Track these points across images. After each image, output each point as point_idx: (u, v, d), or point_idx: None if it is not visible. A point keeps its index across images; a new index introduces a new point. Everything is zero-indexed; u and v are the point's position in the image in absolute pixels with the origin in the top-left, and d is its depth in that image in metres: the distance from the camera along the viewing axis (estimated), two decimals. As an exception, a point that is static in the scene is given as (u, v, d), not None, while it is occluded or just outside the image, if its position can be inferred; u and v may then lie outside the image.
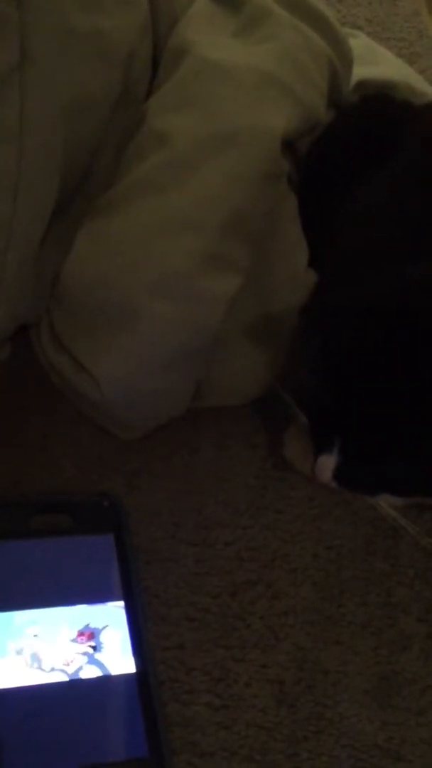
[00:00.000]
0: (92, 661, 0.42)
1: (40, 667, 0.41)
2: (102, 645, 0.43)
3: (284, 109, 0.49)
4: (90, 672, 0.42)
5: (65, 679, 0.42)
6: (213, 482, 0.54)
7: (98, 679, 0.42)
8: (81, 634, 0.43)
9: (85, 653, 0.43)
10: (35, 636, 0.42)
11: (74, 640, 0.43)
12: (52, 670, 0.42)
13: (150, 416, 0.51)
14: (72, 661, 0.42)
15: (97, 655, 0.43)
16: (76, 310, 0.48)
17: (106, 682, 0.42)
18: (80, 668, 0.42)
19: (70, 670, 0.42)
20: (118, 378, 0.46)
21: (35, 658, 0.42)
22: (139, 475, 0.53)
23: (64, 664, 0.42)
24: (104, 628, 0.44)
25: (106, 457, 0.53)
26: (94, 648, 0.43)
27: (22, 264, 0.45)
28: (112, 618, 0.44)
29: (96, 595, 0.45)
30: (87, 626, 0.43)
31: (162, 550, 0.50)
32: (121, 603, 0.45)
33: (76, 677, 0.42)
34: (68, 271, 0.47)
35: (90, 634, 0.43)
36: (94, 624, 0.44)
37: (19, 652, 0.42)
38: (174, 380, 0.48)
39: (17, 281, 0.45)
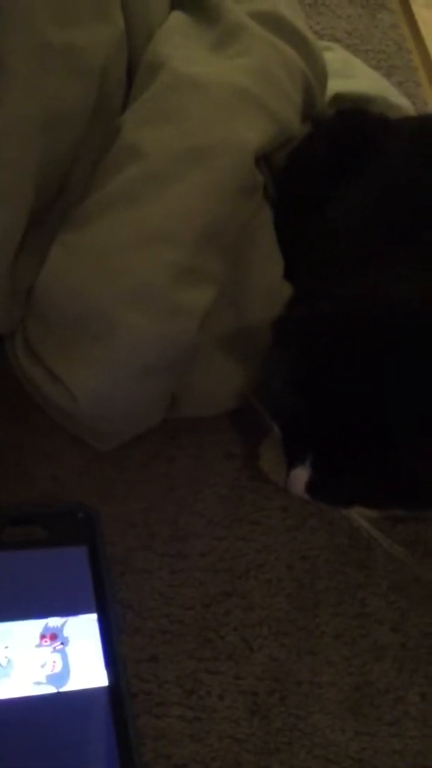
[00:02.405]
0: (64, 657, 0.42)
1: (11, 680, 0.41)
2: (68, 639, 0.43)
3: (258, 123, 0.49)
4: (62, 685, 0.42)
5: (40, 691, 0.41)
6: (188, 493, 0.54)
7: (70, 692, 0.42)
8: (43, 636, 0.43)
9: (55, 651, 0.43)
10: (6, 648, 0.42)
11: (39, 645, 0.43)
12: (25, 682, 0.42)
13: (125, 427, 0.51)
14: (51, 663, 0.42)
15: (68, 649, 0.43)
16: (51, 321, 0.48)
17: (77, 695, 0.42)
18: (60, 670, 0.42)
19: (48, 671, 0.42)
20: (93, 389, 0.47)
21: (6, 671, 0.42)
22: (114, 486, 0.53)
23: (45, 669, 0.42)
24: (64, 624, 0.44)
25: (81, 467, 0.53)
26: (63, 644, 0.43)
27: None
28: (84, 630, 0.44)
29: (69, 608, 0.45)
30: (47, 627, 0.43)
31: (137, 562, 0.50)
32: (94, 615, 0.45)
33: (50, 691, 0.42)
34: (42, 283, 0.47)
35: (52, 635, 0.43)
36: (53, 624, 0.44)
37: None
38: (149, 391, 0.48)
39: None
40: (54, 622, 0.44)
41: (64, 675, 0.42)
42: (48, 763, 0.40)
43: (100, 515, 0.50)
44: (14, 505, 0.49)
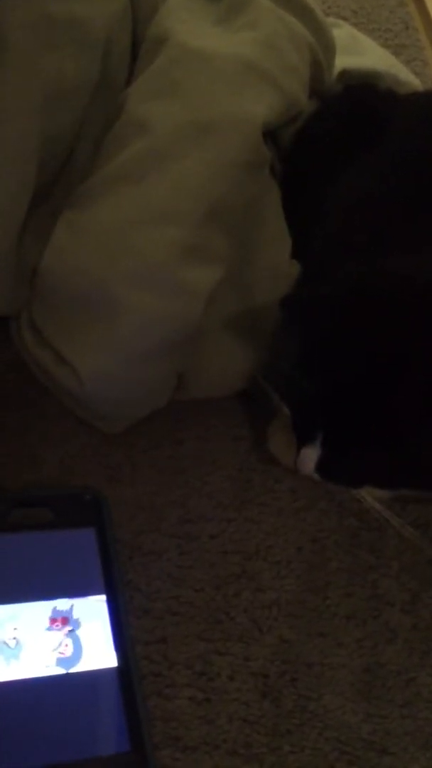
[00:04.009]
0: (76, 641, 0.42)
1: (21, 661, 0.41)
2: (78, 621, 0.43)
3: (265, 97, 0.48)
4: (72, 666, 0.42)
5: (46, 673, 0.41)
6: (196, 475, 0.53)
7: (79, 673, 0.42)
8: (54, 620, 0.43)
9: (67, 635, 0.42)
10: (15, 629, 0.42)
11: (50, 629, 0.42)
12: (35, 663, 0.41)
13: (132, 409, 0.50)
14: (63, 646, 0.42)
15: (78, 632, 0.43)
16: (56, 302, 0.47)
17: (87, 676, 0.42)
18: (71, 653, 0.42)
19: (59, 654, 0.42)
20: (99, 370, 0.46)
21: (15, 653, 0.41)
22: (121, 469, 0.52)
23: (56, 653, 0.42)
24: (72, 606, 0.43)
25: (88, 450, 0.52)
26: (74, 629, 0.43)
27: (1, 254, 0.44)
28: (93, 612, 0.44)
29: (78, 589, 0.45)
30: (56, 611, 0.43)
31: (145, 544, 0.49)
32: (103, 597, 0.45)
33: (60, 672, 0.41)
34: (47, 263, 0.46)
35: (64, 619, 0.43)
36: (62, 606, 0.43)
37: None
38: (155, 372, 0.48)
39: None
40: (63, 605, 0.43)
41: (74, 657, 0.42)
42: (58, 745, 0.39)
43: (107, 497, 0.49)
44: (22, 488, 0.49)
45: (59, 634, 0.42)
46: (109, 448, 0.52)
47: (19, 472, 0.50)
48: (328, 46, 0.55)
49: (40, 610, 0.43)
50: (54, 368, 0.48)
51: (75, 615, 0.43)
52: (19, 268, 0.47)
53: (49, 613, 0.43)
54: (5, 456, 0.50)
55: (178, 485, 0.53)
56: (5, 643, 0.41)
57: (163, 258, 0.45)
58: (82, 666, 0.42)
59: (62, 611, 0.43)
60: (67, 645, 0.42)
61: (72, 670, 0.42)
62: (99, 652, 0.43)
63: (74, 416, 0.52)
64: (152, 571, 0.48)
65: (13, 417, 0.52)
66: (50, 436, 0.52)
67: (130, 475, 0.52)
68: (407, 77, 0.69)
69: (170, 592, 0.48)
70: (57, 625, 0.42)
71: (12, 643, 0.42)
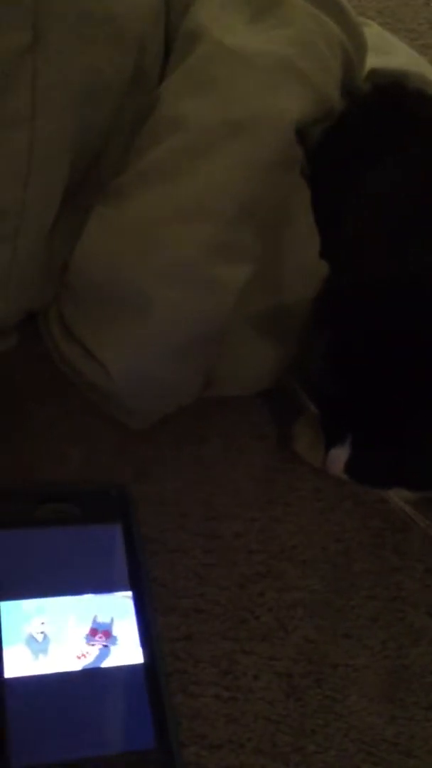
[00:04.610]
0: (104, 654, 0.42)
1: (48, 656, 0.41)
2: (117, 639, 0.43)
3: (299, 95, 0.48)
4: (100, 662, 0.42)
5: (72, 668, 0.41)
6: (221, 473, 0.53)
7: (106, 669, 0.42)
8: (95, 631, 0.42)
9: (99, 647, 0.42)
10: (42, 624, 0.42)
11: (91, 641, 0.42)
12: (60, 658, 0.41)
13: (159, 405, 0.50)
14: (86, 654, 0.42)
15: (112, 648, 0.42)
16: (86, 297, 0.47)
17: (114, 672, 0.42)
18: (92, 660, 0.42)
19: (82, 662, 0.42)
20: (129, 367, 0.46)
21: (42, 647, 0.41)
22: (147, 465, 0.52)
23: (77, 657, 0.41)
24: (113, 621, 0.43)
25: (114, 446, 0.52)
26: (107, 645, 0.43)
27: (33, 250, 0.44)
28: (119, 608, 0.44)
29: (104, 585, 0.45)
30: (98, 622, 0.43)
31: (170, 541, 0.49)
32: (129, 593, 0.45)
33: (86, 667, 0.41)
34: (78, 258, 0.46)
35: (106, 633, 0.43)
36: (103, 618, 0.43)
37: (26, 641, 0.41)
38: (184, 369, 0.48)
39: (27, 267, 0.45)
40: (104, 617, 0.43)
41: (102, 653, 0.42)
42: (83, 740, 0.39)
43: (132, 494, 0.49)
44: (48, 483, 0.49)
45: (95, 645, 0.42)
46: (134, 444, 0.52)
47: (46, 468, 0.50)
48: (360, 45, 0.55)
49: (66, 604, 0.43)
50: (82, 363, 0.48)
51: (106, 620, 0.43)
52: (49, 264, 0.47)
53: (86, 618, 0.43)
54: (32, 451, 0.50)
55: (202, 483, 0.53)
56: (33, 637, 0.41)
57: (194, 255, 0.45)
58: (109, 662, 0.42)
59: (103, 624, 0.43)
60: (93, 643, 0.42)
61: (98, 666, 0.42)
62: (126, 649, 0.43)
63: (101, 412, 0.52)
64: (177, 569, 0.48)
65: (39, 412, 0.52)
66: (76, 432, 0.52)
67: (155, 471, 0.52)
68: (434, 77, 0.68)
69: (195, 590, 0.48)
70: (99, 637, 0.42)
71: (39, 638, 0.42)
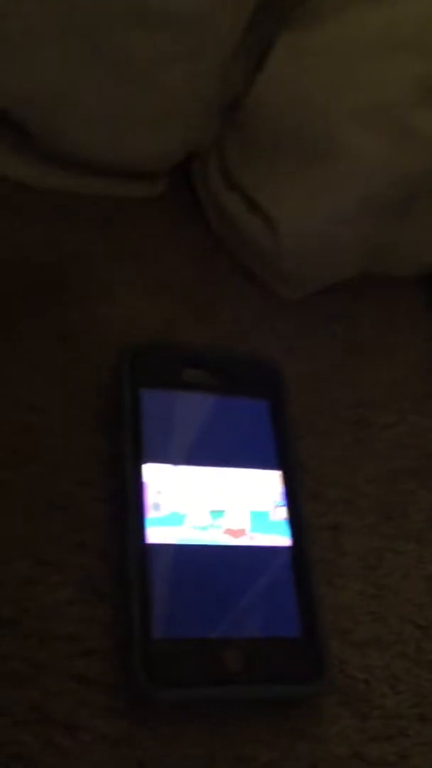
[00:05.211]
0: (249, 531, 0.39)
1: (190, 527, 0.38)
2: (263, 517, 0.39)
3: None
4: (244, 539, 0.38)
5: (216, 541, 0.38)
6: (373, 359, 0.49)
7: (251, 547, 0.38)
8: (240, 506, 0.39)
9: (243, 524, 0.39)
10: (185, 492, 0.39)
11: (232, 511, 0.39)
12: (203, 531, 0.38)
13: (321, 273, 0.45)
14: (230, 530, 0.38)
15: (258, 526, 0.39)
16: (260, 138, 0.41)
17: (259, 552, 0.38)
18: (236, 537, 0.38)
19: (226, 538, 0.38)
20: (301, 223, 0.41)
21: (185, 517, 0.38)
22: (296, 341, 0.48)
23: (222, 531, 0.38)
24: (260, 498, 0.40)
25: (261, 316, 0.48)
26: (252, 522, 0.39)
27: (210, 73, 0.39)
28: (266, 486, 0.40)
29: (250, 461, 0.41)
30: (244, 497, 0.39)
31: (317, 424, 0.45)
32: (278, 472, 0.41)
33: (231, 543, 0.38)
34: (259, 91, 0.41)
35: (252, 509, 0.39)
36: (250, 494, 0.39)
37: (168, 508, 0.38)
38: (360, 233, 0.42)
39: (202, 94, 0.39)
40: (249, 493, 0.40)
41: (247, 531, 0.39)
42: (225, 619, 0.36)
43: (283, 369, 0.45)
44: (196, 347, 0.45)
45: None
46: (284, 316, 0.48)
47: (192, 327, 0.45)
48: None
49: (212, 476, 0.39)
50: (244, 218, 0.43)
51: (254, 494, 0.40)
52: (221, 96, 0.41)
53: (234, 498, 0.39)
54: (177, 310, 0.46)
55: (353, 367, 0.48)
56: (176, 504, 0.38)
57: (398, 96, 0.38)
58: (254, 540, 0.39)
59: (249, 500, 0.39)
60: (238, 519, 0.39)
61: (243, 543, 0.38)
62: (272, 529, 0.39)
63: (249, 275, 0.47)
64: (324, 454, 0.44)
65: (186, 268, 0.47)
66: (223, 295, 0.47)
67: (304, 350, 0.48)
68: None
69: (342, 479, 0.44)
70: (244, 513, 0.39)
71: (182, 506, 0.38)
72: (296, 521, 0.40)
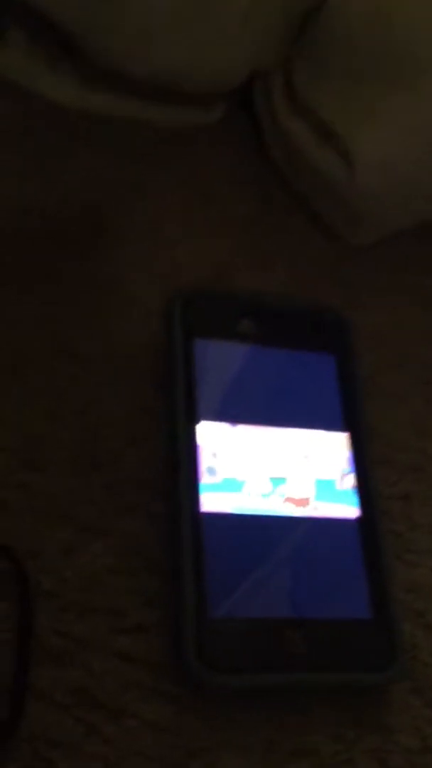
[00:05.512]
0: (313, 501, 0.35)
1: (249, 495, 0.34)
2: (329, 485, 0.35)
3: None
4: (308, 509, 0.34)
5: (277, 512, 0.34)
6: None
7: (315, 519, 0.34)
8: (302, 473, 0.35)
9: (307, 492, 0.35)
10: (243, 456, 0.35)
11: (294, 478, 0.35)
12: (263, 499, 0.34)
13: (401, 216, 0.40)
14: (292, 498, 0.34)
15: (323, 495, 0.35)
16: (337, 57, 0.36)
17: (324, 524, 0.34)
18: (298, 506, 0.34)
19: (287, 507, 0.34)
20: (380, 152, 0.36)
21: (244, 484, 0.34)
22: (364, 292, 0.43)
23: (283, 500, 0.34)
24: (325, 463, 0.36)
25: (323, 263, 0.43)
26: (316, 491, 0.35)
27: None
28: (332, 449, 0.36)
29: (315, 421, 0.37)
30: (308, 462, 0.35)
31: (385, 384, 0.41)
32: (345, 435, 0.37)
33: (292, 514, 0.34)
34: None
35: (315, 476, 0.35)
36: (314, 458, 0.35)
37: (225, 474, 0.34)
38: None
39: (271, 7, 0.34)
40: (313, 457, 0.35)
41: (312, 500, 0.35)
42: (286, 598, 0.33)
43: (352, 322, 0.40)
44: (254, 294, 0.40)
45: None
46: (348, 264, 0.43)
47: (246, 275, 0.41)
48: None
49: (271, 437, 0.35)
50: (312, 148, 0.38)
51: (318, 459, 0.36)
52: (287, 12, 0.36)
53: (296, 463, 0.35)
54: (231, 253, 0.41)
55: (426, 322, 0.43)
56: (233, 470, 0.34)
57: None
58: (319, 511, 0.35)
59: (313, 466, 0.35)
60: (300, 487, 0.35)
61: (306, 515, 0.34)
62: (338, 498, 0.35)
63: (314, 215, 0.42)
64: (394, 416, 0.40)
65: (242, 208, 0.43)
66: (280, 236, 0.43)
67: (372, 302, 0.43)
68: None
69: (414, 444, 0.40)
70: (307, 480, 0.35)
71: (240, 473, 0.34)
72: (365, 490, 0.36)
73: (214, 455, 0.34)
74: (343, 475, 0.36)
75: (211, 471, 0.33)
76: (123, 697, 0.29)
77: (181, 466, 0.33)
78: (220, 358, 0.37)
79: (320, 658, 0.31)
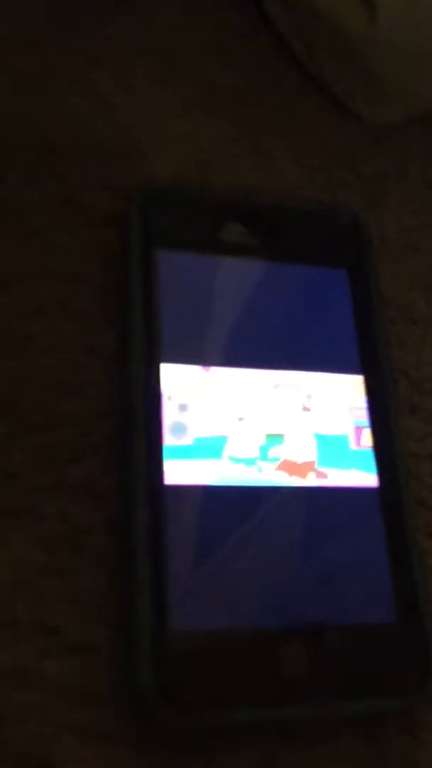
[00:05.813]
0: (317, 467, 0.26)
1: (229, 461, 0.25)
2: (336, 445, 0.26)
3: None
4: (310, 479, 0.26)
5: (268, 482, 0.25)
6: None
7: (319, 490, 0.26)
8: (304, 431, 0.26)
9: (308, 455, 0.26)
10: (225, 408, 0.26)
11: (291, 438, 0.26)
12: (248, 467, 0.25)
13: (418, 83, 0.30)
14: (290, 466, 0.26)
15: (329, 460, 0.26)
16: None
17: (331, 497, 0.26)
18: (297, 476, 0.26)
19: (281, 477, 0.25)
20: (410, 9, 0.26)
21: (222, 445, 0.25)
22: (385, 190, 0.33)
23: (275, 468, 0.25)
24: (331, 418, 0.27)
25: (342, 150, 0.33)
26: (320, 454, 0.26)
27: None
28: (342, 399, 0.27)
29: (321, 360, 0.28)
30: (309, 416, 0.26)
31: (414, 310, 0.32)
32: (359, 377, 0.28)
33: (289, 484, 0.25)
34: None
35: (319, 435, 0.26)
36: (317, 411, 0.26)
37: (196, 433, 0.25)
38: None
39: None
40: (316, 410, 0.27)
41: (315, 467, 0.26)
42: (282, 602, 0.24)
43: (371, 226, 0.31)
44: (242, 191, 0.31)
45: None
46: (367, 152, 0.33)
47: (233, 166, 0.31)
48: None
49: (262, 381, 0.27)
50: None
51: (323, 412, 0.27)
52: None
53: (294, 419, 0.26)
54: (212, 137, 0.32)
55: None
56: (210, 428, 0.25)
57: None
58: (324, 481, 0.26)
59: (316, 420, 0.26)
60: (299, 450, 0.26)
61: (308, 485, 0.26)
62: (350, 463, 0.26)
63: (322, 88, 0.32)
64: (419, 348, 0.31)
65: (230, 78, 0.33)
66: (282, 117, 0.33)
67: (396, 200, 0.33)
68: None
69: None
70: (308, 440, 0.26)
71: (220, 430, 0.25)
72: (387, 451, 0.27)
73: (182, 408, 0.25)
74: (358, 431, 0.27)
75: (178, 430, 0.25)
76: (51, 743, 0.21)
77: (137, 424, 0.24)
78: (194, 277, 0.27)
79: (326, 682, 0.23)
